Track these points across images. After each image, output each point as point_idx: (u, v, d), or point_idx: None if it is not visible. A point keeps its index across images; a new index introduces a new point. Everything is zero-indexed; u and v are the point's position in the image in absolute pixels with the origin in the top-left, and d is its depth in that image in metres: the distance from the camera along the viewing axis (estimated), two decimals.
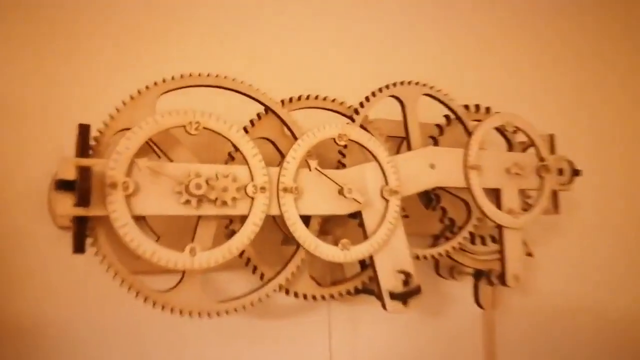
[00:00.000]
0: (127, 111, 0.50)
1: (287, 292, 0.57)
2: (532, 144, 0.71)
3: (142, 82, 0.51)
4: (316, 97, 0.61)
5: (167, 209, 0.48)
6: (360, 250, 0.56)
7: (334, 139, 0.57)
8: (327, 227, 0.63)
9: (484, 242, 0.71)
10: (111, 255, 0.48)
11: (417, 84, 0.65)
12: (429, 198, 0.70)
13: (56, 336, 0.60)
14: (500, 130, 0.74)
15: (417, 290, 0.59)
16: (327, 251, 0.55)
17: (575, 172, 0.73)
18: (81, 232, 0.46)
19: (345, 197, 0.55)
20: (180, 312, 0.50)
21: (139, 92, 0.51)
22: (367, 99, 0.62)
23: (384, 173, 0.59)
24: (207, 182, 0.49)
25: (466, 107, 0.71)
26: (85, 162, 0.45)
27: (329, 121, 0.57)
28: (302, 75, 0.75)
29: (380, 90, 0.63)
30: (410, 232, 0.61)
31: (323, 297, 0.60)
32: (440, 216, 0.70)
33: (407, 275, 0.58)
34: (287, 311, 0.70)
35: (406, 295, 0.58)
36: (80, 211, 0.45)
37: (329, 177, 0.55)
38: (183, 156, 0.52)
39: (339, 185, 0.55)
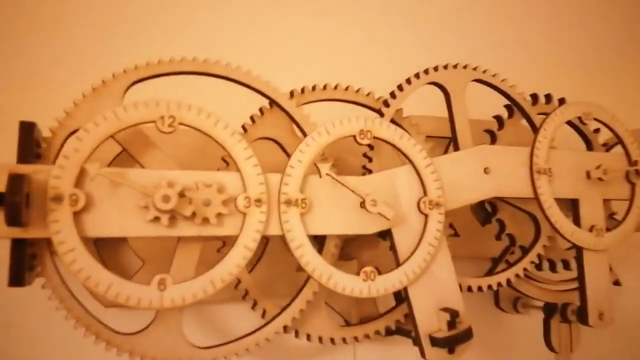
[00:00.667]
0: (88, 106, 0.40)
1: (296, 334, 0.45)
2: (618, 141, 0.56)
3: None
4: (335, 87, 0.49)
5: (130, 229, 0.37)
6: (389, 281, 0.43)
7: (355, 137, 0.44)
8: (350, 249, 0.51)
9: (553, 269, 0.56)
10: (61, 289, 0.37)
11: (465, 67, 0.51)
12: (485, 210, 0.56)
13: None
14: (576, 126, 0.59)
15: (466, 335, 0.45)
16: (346, 282, 0.42)
17: None
18: (19, 258, 0.36)
19: (368, 211, 0.43)
20: None
21: (103, 82, 0.40)
22: (399, 87, 0.49)
23: (421, 180, 0.46)
24: (182, 193, 0.38)
25: (534, 97, 0.56)
26: (20, 169, 0.35)
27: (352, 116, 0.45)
28: (318, 63, 0.63)
29: (417, 76, 0.50)
30: (459, 255, 0.48)
31: (344, 340, 0.47)
32: (496, 232, 0.55)
33: (454, 314, 0.44)
34: (305, 353, 0.58)
35: (452, 340, 0.44)
36: (15, 232, 0.35)
37: (346, 186, 0.42)
38: (158, 162, 0.41)
39: (361, 197, 0.42)
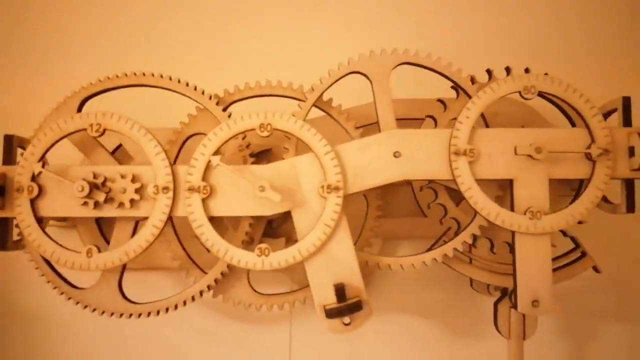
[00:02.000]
0: (53, 119, 0.53)
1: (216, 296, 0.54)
2: (579, 115, 0.50)
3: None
4: (261, 84, 0.55)
5: (69, 211, 0.50)
6: (283, 257, 0.49)
7: (256, 130, 0.50)
8: (281, 229, 0.56)
9: (492, 249, 0.54)
10: (36, 255, 0.52)
11: (389, 53, 0.52)
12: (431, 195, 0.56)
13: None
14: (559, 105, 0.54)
15: (355, 307, 0.48)
16: (241, 257, 0.49)
17: None
18: (2, 231, 0.51)
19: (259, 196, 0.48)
20: (94, 310, 0.51)
21: (64, 100, 0.53)
22: (321, 80, 0.53)
23: (322, 166, 0.49)
24: (103, 183, 0.49)
25: (472, 78, 0.54)
26: (1, 169, 0.50)
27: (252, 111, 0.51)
28: (267, 63, 0.68)
29: (338, 67, 0.53)
30: (427, 236, 0.55)
31: (260, 306, 0.54)
32: (440, 217, 0.55)
33: (340, 287, 0.48)
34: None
35: (339, 312, 0.48)
36: None
37: (236, 175, 0.48)
38: (101, 158, 0.53)
39: (251, 184, 0.48)
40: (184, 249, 0.54)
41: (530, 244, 0.49)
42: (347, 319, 0.49)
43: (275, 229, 0.58)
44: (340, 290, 0.48)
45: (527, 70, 0.51)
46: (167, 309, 0.52)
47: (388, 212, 0.63)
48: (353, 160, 0.50)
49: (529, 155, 0.48)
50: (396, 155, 0.50)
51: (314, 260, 0.49)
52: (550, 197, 0.49)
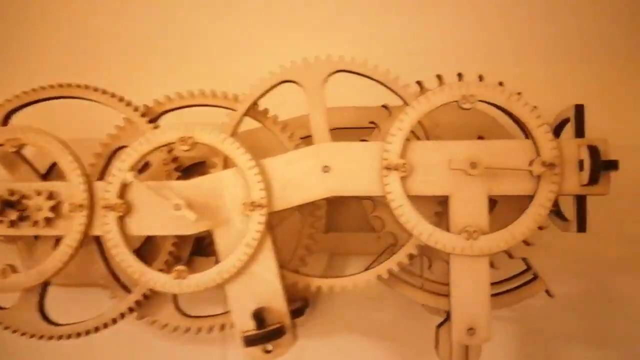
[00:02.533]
0: None
1: (155, 321, 0.51)
2: (524, 127, 0.46)
3: None
4: (193, 94, 0.52)
5: None
6: (201, 280, 0.46)
7: (175, 144, 0.47)
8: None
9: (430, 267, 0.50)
10: None
11: (325, 60, 0.49)
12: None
13: None
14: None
15: (276, 333, 0.45)
16: (157, 280, 0.46)
17: (607, 165, 0.44)
18: None
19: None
20: (15, 332, 0.49)
21: None
22: (251, 89, 0.50)
23: (246, 182, 0.46)
24: (19, 200, 0.47)
25: (419, 83, 0.50)
26: None
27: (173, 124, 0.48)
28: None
29: (268, 76, 0.50)
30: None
31: (188, 330, 0.51)
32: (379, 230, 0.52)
33: (259, 313, 0.45)
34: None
35: (260, 338, 0.45)
36: None
37: (152, 192, 0.46)
38: (22, 174, 0.51)
39: (168, 201, 0.46)
40: (109, 268, 0.52)
41: (467, 266, 0.45)
42: (269, 346, 0.46)
43: (206, 247, 0.55)
44: (258, 316, 0.45)
45: (459, 77, 0.47)
46: (87, 332, 0.50)
47: (336, 226, 0.60)
48: (280, 175, 0.47)
49: (465, 172, 0.44)
50: (325, 170, 0.47)
51: (235, 283, 0.46)
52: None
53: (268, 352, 0.46)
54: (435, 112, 0.49)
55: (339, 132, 0.58)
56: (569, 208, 0.49)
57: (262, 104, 0.51)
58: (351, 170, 0.47)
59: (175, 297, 0.52)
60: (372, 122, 0.53)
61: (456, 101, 0.46)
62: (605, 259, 0.59)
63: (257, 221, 0.46)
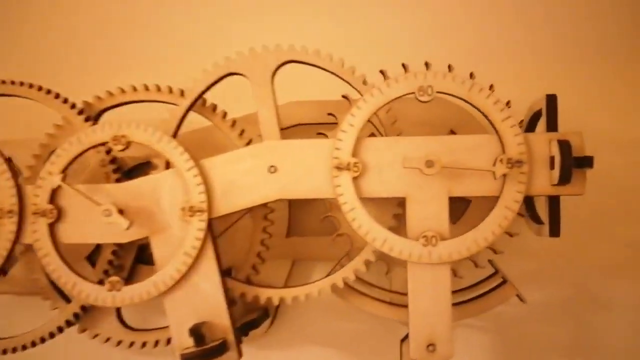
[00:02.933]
0: None
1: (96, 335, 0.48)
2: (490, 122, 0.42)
3: None
4: (136, 88, 0.48)
5: None
6: (136, 292, 0.42)
7: (108, 143, 0.43)
8: None
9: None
10: None
11: (273, 50, 0.45)
12: None
13: None
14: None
15: (216, 350, 0.41)
16: (90, 292, 0.42)
17: (580, 162, 0.40)
18: None
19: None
20: None
21: None
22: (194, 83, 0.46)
23: (185, 184, 0.43)
24: None
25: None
26: None
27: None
28: None
29: (211, 69, 0.45)
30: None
31: (132, 344, 0.47)
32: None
33: (196, 329, 0.41)
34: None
35: (200, 356, 0.41)
36: None
37: (82, 196, 0.42)
38: None
39: (98, 206, 0.42)
40: (49, 277, 0.49)
41: (425, 275, 0.41)
42: None
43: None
44: (197, 332, 0.41)
45: (427, 66, 0.43)
46: (23, 347, 0.46)
47: (299, 230, 0.56)
48: (222, 177, 0.43)
49: (420, 170, 0.40)
50: (271, 170, 0.43)
51: (173, 295, 0.43)
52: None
53: None
54: (403, 106, 0.45)
55: (301, 129, 0.55)
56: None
57: (225, 100, 0.47)
58: (300, 171, 0.43)
59: (118, 309, 0.49)
60: (330, 114, 0.48)
61: (413, 93, 0.42)
62: (587, 263, 0.54)
63: (197, 227, 0.42)
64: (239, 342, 0.43)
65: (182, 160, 0.43)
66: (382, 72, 0.44)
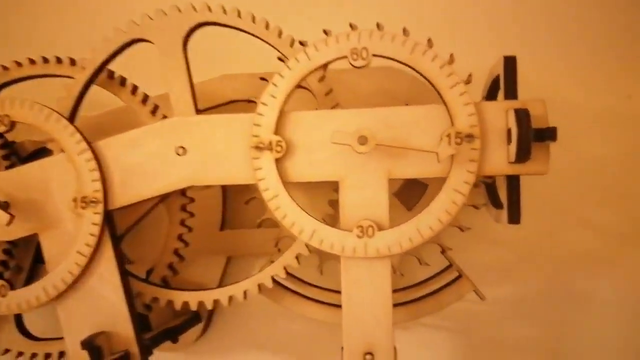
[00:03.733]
0: None
1: None
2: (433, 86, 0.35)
3: None
4: (34, 60, 0.41)
5: None
6: (24, 298, 0.36)
7: None
8: None
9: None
10: None
11: (184, 11, 0.38)
12: None
13: None
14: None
15: None
16: None
17: (541, 135, 0.33)
18: None
19: None
20: None
21: None
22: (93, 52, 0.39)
23: (76, 171, 0.36)
24: None
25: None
26: None
27: None
28: None
29: (112, 35, 0.39)
30: None
31: (34, 356, 0.41)
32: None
33: (89, 342, 0.34)
34: None
35: None
36: None
37: None
38: None
39: None
40: None
41: (361, 272, 0.35)
42: None
43: None
44: (90, 345, 0.34)
45: (352, 27, 0.36)
46: None
47: (236, 222, 0.49)
48: (122, 162, 0.36)
49: (351, 147, 0.33)
50: (179, 152, 0.36)
51: (67, 301, 0.36)
52: None
53: None
54: (347, 78, 0.39)
55: (236, 107, 0.48)
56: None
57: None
58: (213, 152, 0.36)
59: (18, 316, 0.42)
60: (263, 79, 0.42)
61: (346, 57, 0.35)
62: (556, 253, 0.48)
63: (91, 221, 0.35)
64: (145, 353, 0.37)
65: (72, 142, 0.36)
66: (301, 43, 0.37)
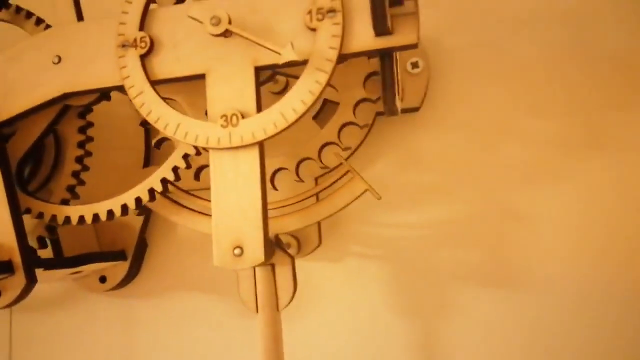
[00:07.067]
0: None
1: None
2: None
3: None
4: None
5: None
6: None
7: None
8: None
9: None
10: None
11: None
12: None
13: None
14: None
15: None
16: None
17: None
18: None
19: None
20: None
21: None
22: None
23: None
24: None
25: None
26: None
27: None
28: None
29: None
30: None
31: None
32: None
33: None
34: None
35: None
36: None
37: None
38: None
39: None
40: None
41: (228, 163, 0.33)
42: None
43: None
44: None
45: None
46: None
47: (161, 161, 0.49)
48: (4, 77, 0.37)
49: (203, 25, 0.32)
50: (55, 61, 0.37)
51: None
52: None
53: None
54: None
55: None
56: None
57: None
58: (85, 58, 0.36)
59: None
60: None
61: None
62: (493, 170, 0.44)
63: None
64: (30, 265, 0.36)
65: None
66: None
